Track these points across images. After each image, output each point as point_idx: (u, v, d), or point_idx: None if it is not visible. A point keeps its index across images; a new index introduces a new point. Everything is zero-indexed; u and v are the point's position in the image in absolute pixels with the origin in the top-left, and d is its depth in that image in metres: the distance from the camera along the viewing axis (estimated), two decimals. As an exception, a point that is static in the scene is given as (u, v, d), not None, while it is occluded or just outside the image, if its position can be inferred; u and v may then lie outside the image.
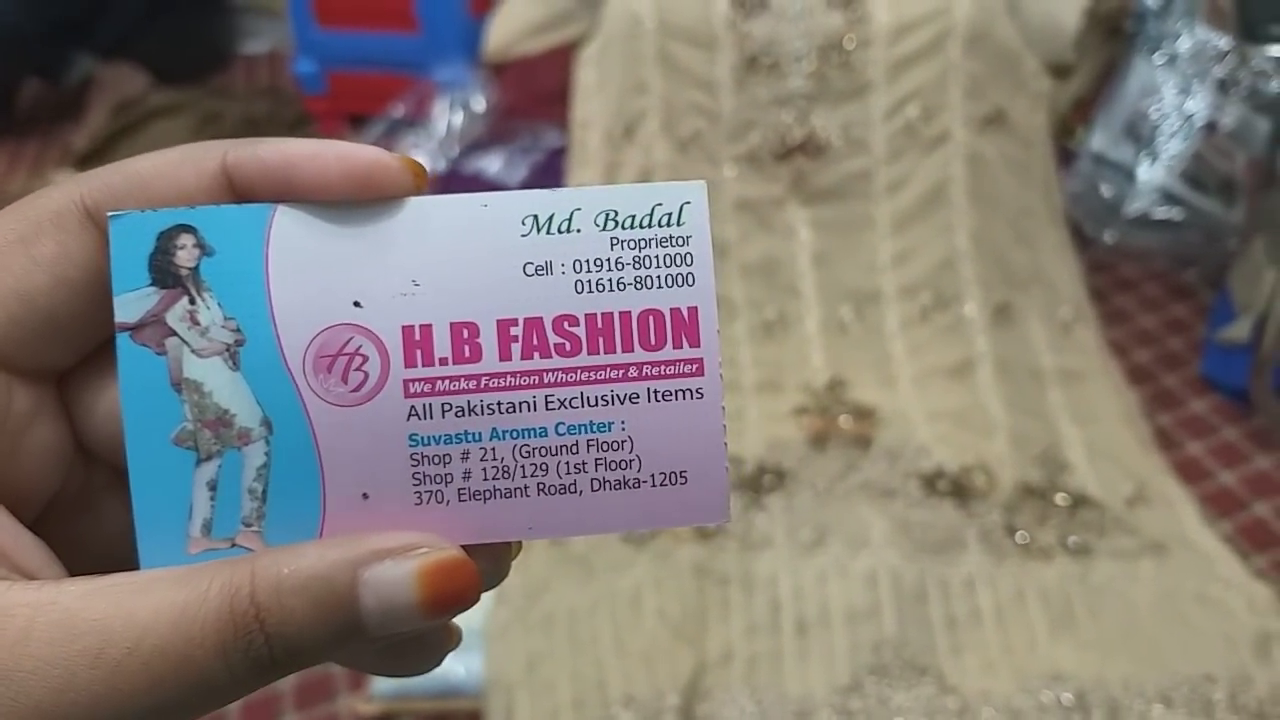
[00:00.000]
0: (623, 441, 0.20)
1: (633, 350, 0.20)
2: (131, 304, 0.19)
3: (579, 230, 0.20)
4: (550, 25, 0.94)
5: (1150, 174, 0.86)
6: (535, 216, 0.20)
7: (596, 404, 0.20)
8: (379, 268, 0.19)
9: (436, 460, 0.20)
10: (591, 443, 0.20)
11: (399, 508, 0.20)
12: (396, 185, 0.19)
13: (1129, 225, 0.88)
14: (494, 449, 0.20)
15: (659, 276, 0.20)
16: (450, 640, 0.21)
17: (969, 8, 0.79)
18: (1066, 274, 0.83)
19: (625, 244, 0.20)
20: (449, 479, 0.20)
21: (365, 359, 0.19)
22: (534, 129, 1.00)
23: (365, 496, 0.19)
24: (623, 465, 0.20)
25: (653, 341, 0.20)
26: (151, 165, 0.20)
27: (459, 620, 0.20)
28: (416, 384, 0.19)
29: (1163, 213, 0.86)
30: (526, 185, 0.96)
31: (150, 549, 0.19)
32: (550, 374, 0.20)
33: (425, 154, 1.00)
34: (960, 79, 0.79)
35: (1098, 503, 0.69)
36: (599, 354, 0.20)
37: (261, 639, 0.17)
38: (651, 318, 0.20)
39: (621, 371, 0.20)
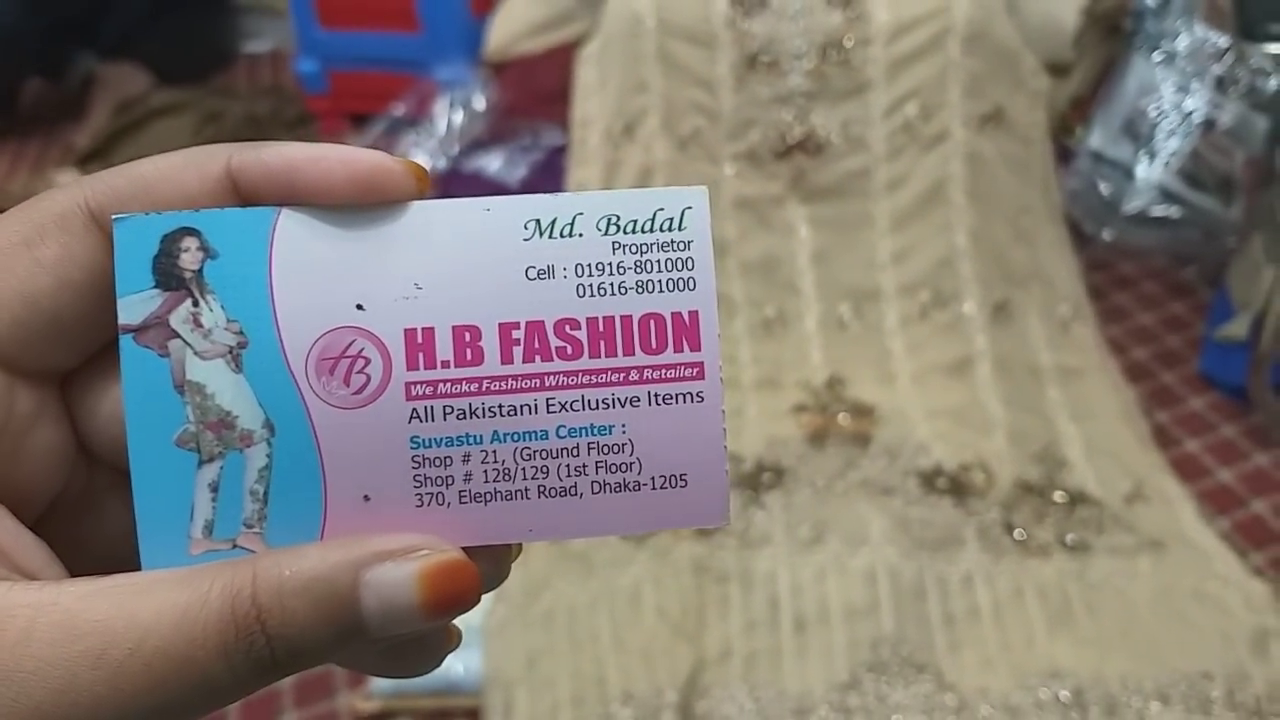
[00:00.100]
0: (623, 444, 0.20)
1: (634, 354, 0.20)
2: (135, 306, 0.19)
3: (581, 234, 0.20)
4: (551, 24, 0.94)
5: (1149, 172, 0.86)
6: (537, 221, 0.20)
7: (597, 407, 0.20)
8: (381, 271, 0.19)
9: (438, 462, 0.20)
10: (592, 445, 0.20)
11: (400, 509, 0.20)
12: (399, 189, 0.20)
13: (1127, 223, 0.88)
14: (495, 451, 0.20)
15: (660, 281, 0.20)
16: (450, 641, 0.21)
17: (968, 6, 0.79)
18: (1065, 272, 0.83)
19: (627, 248, 0.20)
20: (450, 481, 0.20)
21: (367, 361, 0.19)
22: (534, 128, 1.00)
23: (366, 498, 0.20)
24: (623, 468, 0.20)
25: (654, 345, 0.20)
26: (155, 168, 0.20)
27: (458, 619, 0.20)
28: (418, 386, 0.19)
29: (1161, 210, 0.87)
30: (527, 183, 0.96)
31: (152, 550, 0.19)
32: (551, 377, 0.20)
33: (426, 153, 1.00)
34: (959, 77, 0.79)
35: (1096, 500, 0.69)
36: (600, 357, 0.20)
37: (263, 640, 0.17)
38: (652, 321, 0.20)
39: (622, 375, 0.20)
